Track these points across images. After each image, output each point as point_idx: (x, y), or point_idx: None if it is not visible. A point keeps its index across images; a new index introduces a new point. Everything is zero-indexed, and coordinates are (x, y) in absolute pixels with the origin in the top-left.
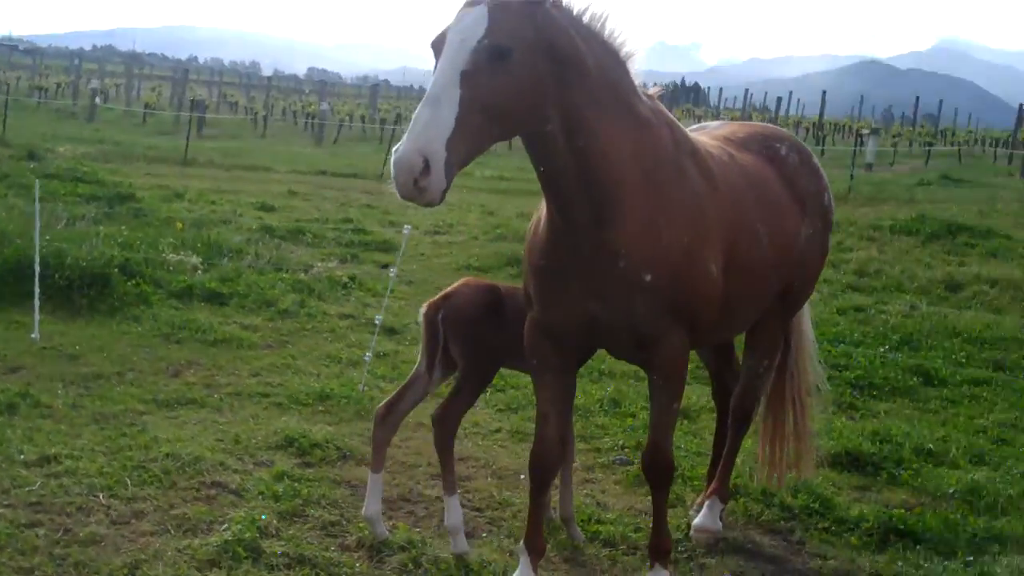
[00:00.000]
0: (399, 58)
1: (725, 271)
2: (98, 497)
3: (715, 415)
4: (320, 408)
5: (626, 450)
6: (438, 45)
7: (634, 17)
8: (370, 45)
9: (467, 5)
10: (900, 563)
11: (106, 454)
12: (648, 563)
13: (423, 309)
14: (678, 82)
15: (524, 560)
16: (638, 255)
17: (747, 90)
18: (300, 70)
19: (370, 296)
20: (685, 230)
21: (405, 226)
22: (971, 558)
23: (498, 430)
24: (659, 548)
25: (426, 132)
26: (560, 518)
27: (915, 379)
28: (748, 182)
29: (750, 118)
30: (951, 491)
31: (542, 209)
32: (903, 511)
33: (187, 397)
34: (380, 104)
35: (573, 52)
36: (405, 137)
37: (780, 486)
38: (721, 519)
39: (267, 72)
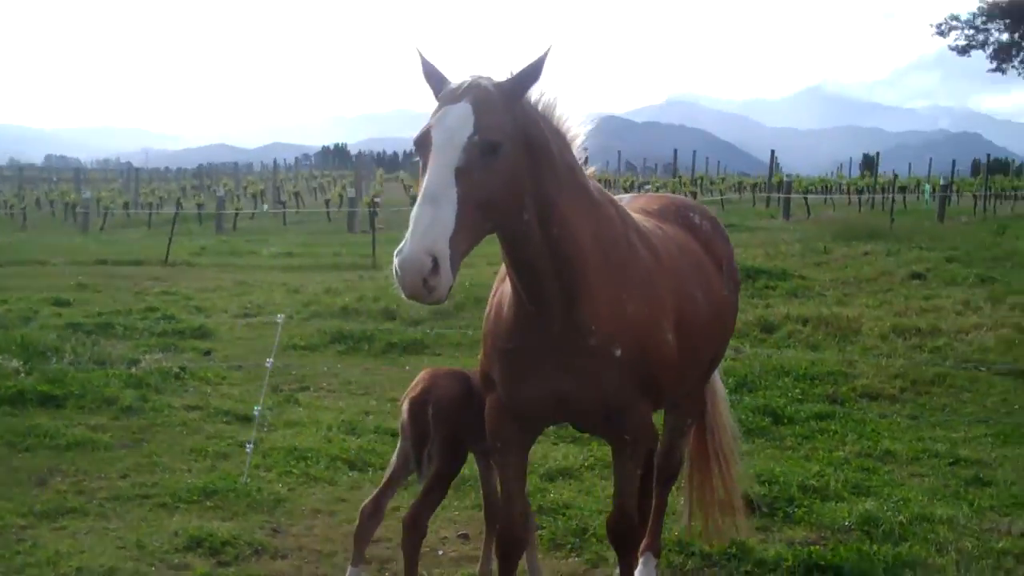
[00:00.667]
0: (137, 139)
1: (676, 338)
2: None
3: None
4: (208, 504)
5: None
6: (423, 142)
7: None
8: (104, 128)
9: (447, 101)
10: None
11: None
12: None
13: (405, 405)
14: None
15: None
16: (607, 331)
17: None
18: (36, 158)
19: (206, 385)
20: (645, 303)
21: (278, 315)
22: None
23: (396, 508)
24: None
25: (431, 232)
26: None
27: (765, 419)
28: (680, 251)
29: None
30: (847, 523)
31: (503, 292)
32: (819, 548)
33: (65, 506)
34: (141, 188)
35: (543, 142)
36: (408, 237)
37: (717, 539)
38: (656, 574)
39: (2, 161)
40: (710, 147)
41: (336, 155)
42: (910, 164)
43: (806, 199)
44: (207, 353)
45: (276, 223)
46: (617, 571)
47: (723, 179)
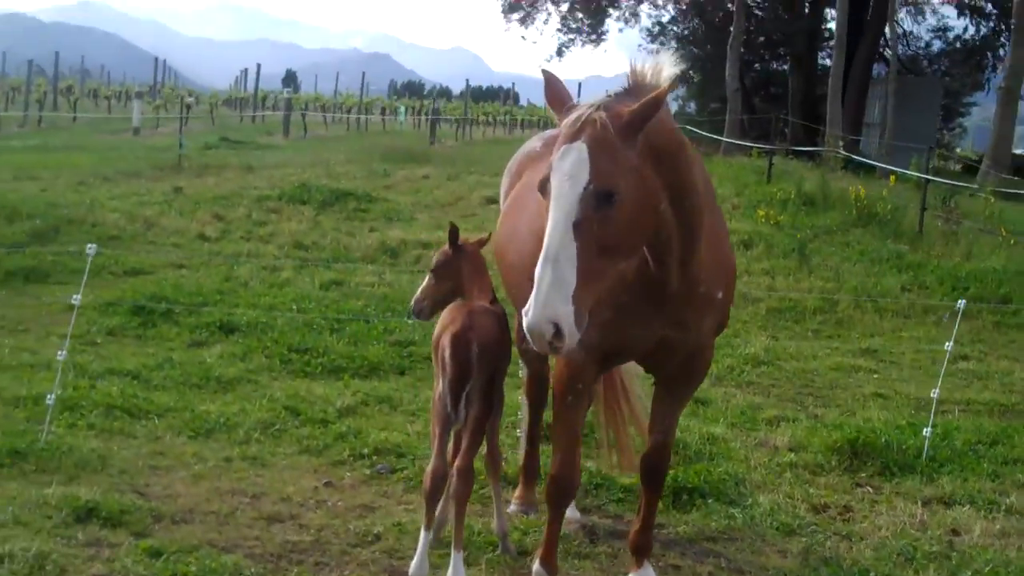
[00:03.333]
0: None
1: None
2: None
3: (531, 407)
4: (29, 468)
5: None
6: (544, 188)
7: None
8: None
9: (565, 139)
10: (718, 517)
11: None
12: (635, 561)
13: (447, 340)
14: None
15: None
16: (711, 277)
17: None
18: None
19: None
20: (725, 243)
21: (89, 245)
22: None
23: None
24: (646, 546)
25: (552, 297)
26: (499, 534)
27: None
28: None
29: None
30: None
31: None
32: (683, 470)
33: None
34: None
35: (672, 136)
36: (532, 301)
37: (631, 470)
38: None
39: None
40: (125, 54)
41: None
42: (316, 80)
43: (303, 116)
44: None
45: None
46: (637, 508)
47: (190, 92)
